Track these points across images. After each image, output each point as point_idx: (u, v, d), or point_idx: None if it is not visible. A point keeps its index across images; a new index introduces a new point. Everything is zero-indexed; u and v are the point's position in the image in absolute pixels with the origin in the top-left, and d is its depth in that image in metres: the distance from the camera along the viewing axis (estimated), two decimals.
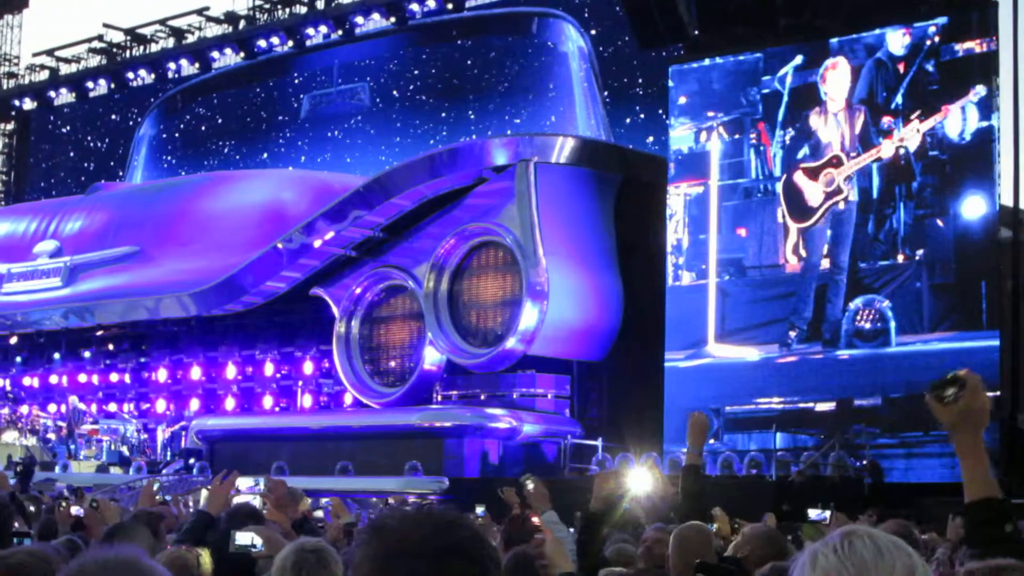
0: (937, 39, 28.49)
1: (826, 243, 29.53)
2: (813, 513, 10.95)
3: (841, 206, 29.48)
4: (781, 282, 30.05)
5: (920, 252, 28.36)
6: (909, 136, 28.63)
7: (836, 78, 29.92)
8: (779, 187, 30.35)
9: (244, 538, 5.89)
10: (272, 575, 4.81)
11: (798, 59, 30.25)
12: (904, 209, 28.68)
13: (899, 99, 28.88)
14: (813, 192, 29.75)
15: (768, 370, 29.69)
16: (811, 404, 29.06)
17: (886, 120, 28.89)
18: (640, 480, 8.25)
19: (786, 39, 30.42)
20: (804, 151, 30.26)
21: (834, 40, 29.87)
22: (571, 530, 8.45)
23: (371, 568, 2.52)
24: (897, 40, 29.03)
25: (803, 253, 29.82)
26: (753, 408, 29.33)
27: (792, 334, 29.59)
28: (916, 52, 28.69)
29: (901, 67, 28.90)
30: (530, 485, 8.21)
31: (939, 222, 28.22)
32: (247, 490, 11.07)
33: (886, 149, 28.98)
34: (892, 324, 28.49)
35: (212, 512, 6.92)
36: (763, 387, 29.53)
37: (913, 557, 2.71)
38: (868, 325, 28.84)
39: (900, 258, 28.65)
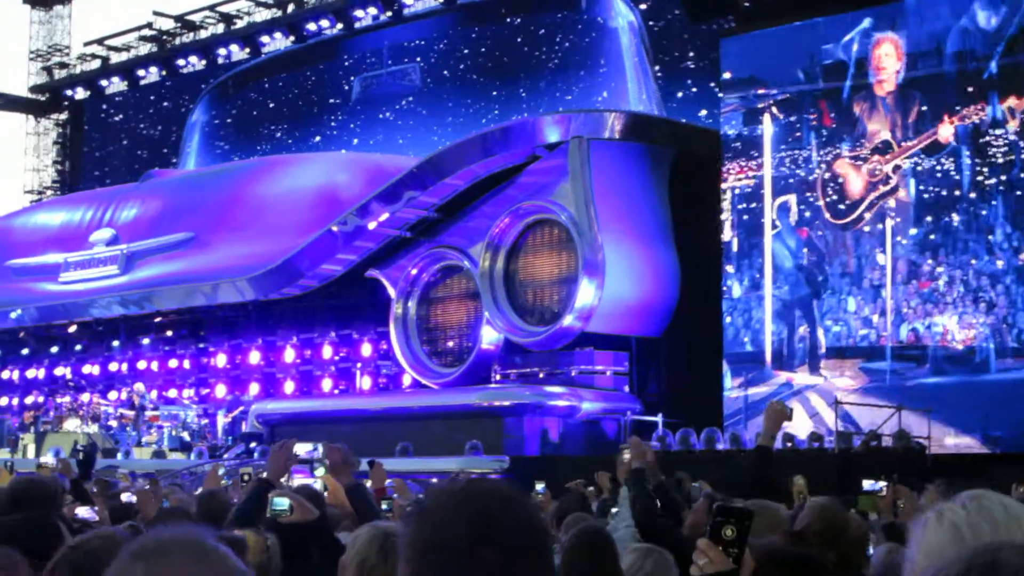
0: None
1: (878, 247, 25.76)
2: (867, 483, 10.76)
3: (892, 203, 25.63)
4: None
5: None
6: (972, 115, 24.52)
7: (885, 57, 26.11)
8: (816, 177, 26.83)
9: (282, 503, 6.18)
10: (351, 557, 4.74)
11: (866, 22, 26.47)
12: (1003, 202, 24.23)
13: (993, 67, 24.54)
14: (856, 183, 26.10)
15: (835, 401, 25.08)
16: (887, 444, 23.82)
17: (973, 113, 24.52)
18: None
19: (847, 4, 27.11)
20: (846, 142, 26.52)
21: None
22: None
23: (409, 555, 2.49)
24: None
25: (853, 259, 26.13)
26: (814, 448, 24.25)
27: (858, 360, 25.90)
28: (1014, 9, 24.28)
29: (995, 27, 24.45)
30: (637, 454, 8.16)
31: None
32: (306, 454, 11.28)
33: (944, 132, 25.00)
34: (991, 345, 24.20)
35: (272, 480, 6.89)
36: (830, 422, 24.96)
37: None
38: (960, 347, 24.59)
39: (999, 263, 24.27)
